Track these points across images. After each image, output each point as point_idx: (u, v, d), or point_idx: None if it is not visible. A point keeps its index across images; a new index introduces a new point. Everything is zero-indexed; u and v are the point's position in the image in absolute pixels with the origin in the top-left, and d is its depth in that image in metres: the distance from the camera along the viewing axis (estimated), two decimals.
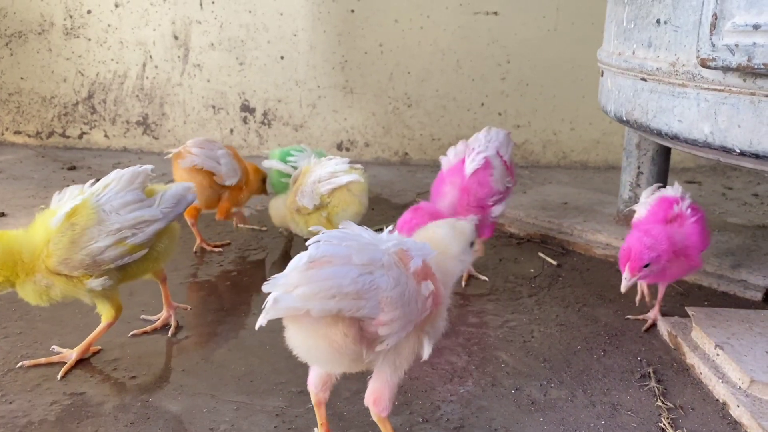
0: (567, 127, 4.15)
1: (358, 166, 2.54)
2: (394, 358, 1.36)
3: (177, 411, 1.69)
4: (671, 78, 2.10)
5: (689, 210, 2.15)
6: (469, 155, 2.38)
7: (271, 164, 2.76)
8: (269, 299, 1.20)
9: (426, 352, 1.39)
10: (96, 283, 1.78)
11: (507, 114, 4.12)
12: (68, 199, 1.81)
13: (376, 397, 1.38)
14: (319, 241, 1.28)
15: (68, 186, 1.87)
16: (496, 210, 2.41)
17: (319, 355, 1.32)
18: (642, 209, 2.23)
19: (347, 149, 4.18)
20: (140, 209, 1.84)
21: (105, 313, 1.89)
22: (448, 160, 2.43)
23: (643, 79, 2.22)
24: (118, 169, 1.90)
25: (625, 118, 2.37)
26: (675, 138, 2.15)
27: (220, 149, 2.64)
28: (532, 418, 1.70)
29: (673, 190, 2.25)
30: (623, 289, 1.95)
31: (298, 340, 1.32)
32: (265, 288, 1.22)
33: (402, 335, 1.32)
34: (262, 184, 2.85)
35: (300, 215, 2.52)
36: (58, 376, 1.80)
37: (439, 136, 4.16)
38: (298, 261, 1.24)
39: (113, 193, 1.82)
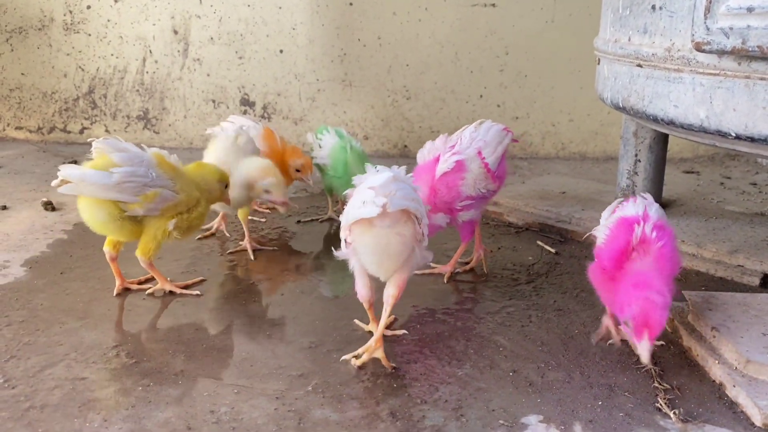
0: (565, 119, 4.16)
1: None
2: (407, 266, 1.85)
3: (178, 395, 1.70)
4: (666, 63, 2.11)
5: (654, 232, 1.83)
6: (444, 154, 2.26)
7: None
8: (378, 201, 1.67)
9: (429, 257, 1.93)
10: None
11: (505, 106, 4.14)
12: None
13: (399, 287, 1.86)
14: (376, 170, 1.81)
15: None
16: (464, 215, 2.28)
17: (389, 251, 1.78)
18: (602, 234, 1.94)
19: None
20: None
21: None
22: (423, 155, 2.33)
23: (639, 66, 2.23)
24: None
25: (621, 105, 2.38)
26: (671, 123, 2.17)
27: (253, 124, 2.94)
28: (530, 400, 1.71)
29: (634, 207, 1.93)
30: (647, 360, 1.64)
31: (375, 241, 1.76)
32: (369, 193, 1.69)
33: (426, 240, 1.87)
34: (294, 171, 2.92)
35: None
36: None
37: (438, 129, 4.16)
38: (384, 176, 1.74)
39: None
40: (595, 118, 4.15)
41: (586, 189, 3.24)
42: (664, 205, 3.00)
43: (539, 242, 2.77)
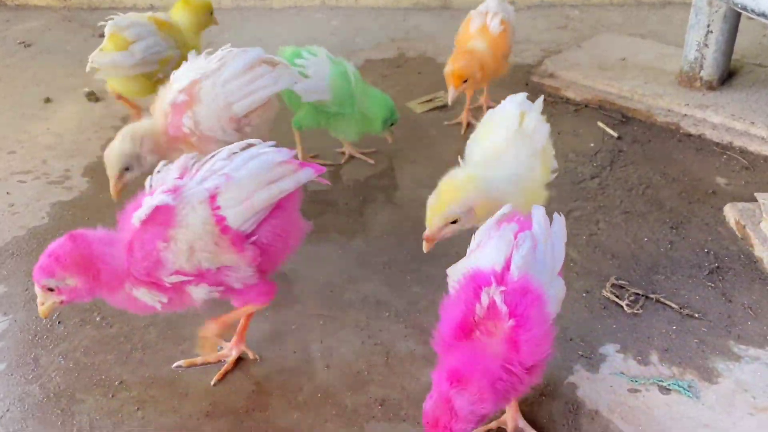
0: None
1: None
2: None
3: (268, 330, 1.78)
4: None
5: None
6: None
7: None
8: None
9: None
10: None
11: None
12: None
13: None
14: None
15: None
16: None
17: None
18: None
19: None
20: None
21: None
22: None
23: None
24: None
25: None
26: None
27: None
28: (605, 326, 1.77)
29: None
30: None
31: None
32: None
33: None
34: None
35: None
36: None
37: None
38: None
39: None
40: None
41: (647, 53, 3.05)
42: (731, 73, 2.82)
43: (600, 123, 2.68)
